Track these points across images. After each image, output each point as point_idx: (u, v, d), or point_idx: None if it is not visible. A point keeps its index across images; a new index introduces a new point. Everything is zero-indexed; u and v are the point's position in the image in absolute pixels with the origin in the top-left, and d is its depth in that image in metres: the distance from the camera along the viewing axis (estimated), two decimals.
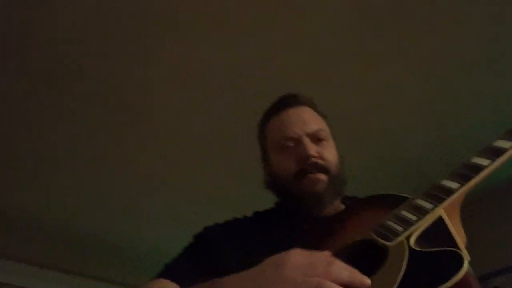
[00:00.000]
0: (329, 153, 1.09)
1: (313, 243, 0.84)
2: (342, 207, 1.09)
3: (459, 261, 0.64)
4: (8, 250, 3.40)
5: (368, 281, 0.65)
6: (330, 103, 2.53)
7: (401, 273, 0.65)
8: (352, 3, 2.01)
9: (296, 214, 1.07)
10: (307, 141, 1.07)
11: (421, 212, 0.76)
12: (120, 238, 3.54)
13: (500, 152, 0.80)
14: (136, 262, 3.63)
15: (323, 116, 1.19)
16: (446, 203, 0.76)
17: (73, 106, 2.45)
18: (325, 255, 0.69)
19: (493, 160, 0.79)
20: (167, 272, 0.99)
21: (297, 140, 1.08)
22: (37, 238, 3.39)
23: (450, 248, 0.68)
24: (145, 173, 2.92)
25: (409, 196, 0.85)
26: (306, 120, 1.12)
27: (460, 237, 0.75)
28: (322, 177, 1.05)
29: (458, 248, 0.71)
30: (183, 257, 1.05)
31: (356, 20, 2.08)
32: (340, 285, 0.63)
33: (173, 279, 0.96)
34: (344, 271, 0.66)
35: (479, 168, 0.79)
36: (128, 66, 2.26)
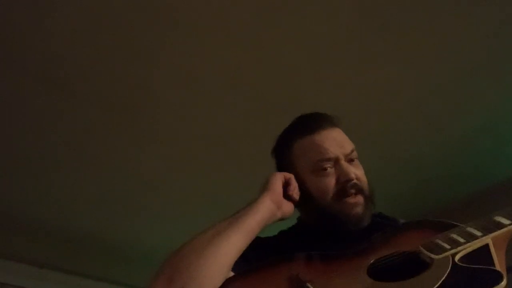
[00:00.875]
0: (362, 173, 1.15)
1: (360, 258, 0.89)
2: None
3: (498, 278, 0.69)
4: (8, 250, 3.40)
5: None
6: (330, 103, 2.54)
7: (441, 280, 0.71)
8: (352, 3, 2.01)
9: (334, 232, 1.09)
10: (345, 163, 1.11)
11: (471, 237, 0.82)
12: (120, 238, 3.54)
13: None
14: (136, 262, 3.64)
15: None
16: (495, 234, 0.82)
17: (73, 106, 2.45)
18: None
19: None
20: None
21: (335, 162, 1.11)
22: (37, 238, 3.40)
23: (491, 267, 0.75)
24: (145, 173, 2.92)
25: (458, 224, 0.90)
26: (342, 142, 1.16)
27: (501, 268, 0.81)
28: (360, 199, 1.09)
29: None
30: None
31: (356, 20, 2.08)
32: None
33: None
34: None
35: None
36: (128, 66, 2.26)
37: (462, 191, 3.25)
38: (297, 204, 1.13)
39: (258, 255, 1.03)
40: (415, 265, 0.81)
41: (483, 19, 2.09)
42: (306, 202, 1.13)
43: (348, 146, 1.15)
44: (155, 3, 1.99)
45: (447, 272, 0.73)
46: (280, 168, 1.20)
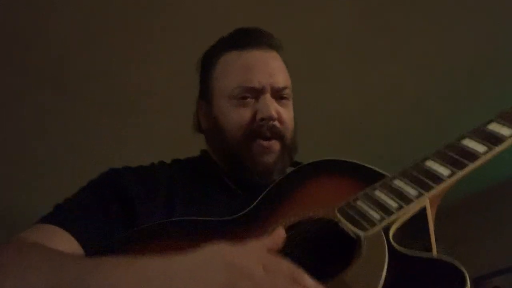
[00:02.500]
0: (288, 116, 0.92)
1: (251, 215, 0.70)
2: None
3: (462, 279, 0.51)
4: None
5: None
6: (330, 103, 2.54)
7: (382, 280, 0.52)
8: (352, 3, 2.01)
9: (233, 175, 0.90)
10: (269, 97, 0.89)
11: (404, 200, 0.61)
12: None
13: (499, 140, 0.67)
14: None
15: (286, 65, 1.00)
16: (433, 192, 0.61)
17: (73, 106, 2.45)
18: (290, 267, 0.51)
19: (490, 148, 0.67)
20: (56, 216, 0.78)
21: (259, 93, 0.89)
22: None
23: (447, 259, 0.54)
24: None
25: (381, 171, 0.70)
26: (275, 72, 0.92)
27: (433, 229, 0.64)
28: (276, 145, 0.88)
29: (430, 243, 0.61)
30: (83, 198, 0.85)
31: (356, 20, 2.08)
32: None
33: (65, 227, 0.74)
34: None
35: (475, 156, 0.65)
36: (129, 66, 2.26)
37: (462, 191, 3.25)
38: (204, 132, 0.98)
39: (144, 182, 0.86)
40: (334, 240, 0.61)
41: (484, 19, 2.09)
42: (215, 132, 0.93)
43: (281, 79, 0.92)
44: (156, 3, 1.98)
45: (385, 266, 0.54)
46: (201, 86, 1.00)
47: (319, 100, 2.46)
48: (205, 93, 0.97)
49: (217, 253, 0.51)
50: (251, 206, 0.74)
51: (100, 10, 2.00)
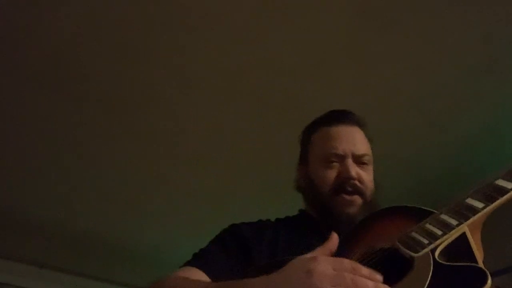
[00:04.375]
0: (368, 178, 1.15)
1: (339, 251, 0.87)
2: None
3: (484, 277, 0.66)
4: (8, 250, 3.40)
5: None
6: (330, 103, 2.53)
7: (427, 284, 0.68)
8: (352, 3, 2.01)
9: (323, 227, 1.09)
10: (351, 161, 1.13)
11: (447, 227, 0.79)
12: (120, 238, 3.54)
13: None
14: (136, 262, 3.64)
15: (370, 140, 1.25)
16: (470, 221, 0.79)
17: (73, 106, 2.45)
18: (351, 262, 0.70)
19: None
20: (195, 261, 1.02)
21: (342, 158, 1.13)
22: (37, 238, 3.40)
23: (475, 264, 0.72)
24: (146, 173, 2.92)
25: (431, 210, 0.89)
26: (356, 141, 1.17)
27: (479, 253, 0.79)
28: (357, 200, 1.10)
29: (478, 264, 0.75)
30: (212, 247, 1.08)
31: (356, 20, 2.08)
32: None
33: (202, 268, 0.98)
34: (370, 281, 0.67)
35: (504, 191, 0.82)
36: (129, 66, 2.26)
37: (463, 191, 3.25)
38: (302, 191, 1.18)
39: (256, 233, 1.08)
40: (394, 262, 0.79)
41: (484, 18, 2.09)
42: (310, 189, 1.15)
43: (361, 147, 1.17)
44: (156, 4, 1.99)
45: (430, 274, 0.70)
46: (301, 153, 1.24)
47: (319, 100, 2.46)
48: (304, 159, 1.22)
49: (298, 265, 0.71)
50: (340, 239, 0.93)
51: (101, 9, 2.00)
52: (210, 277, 0.96)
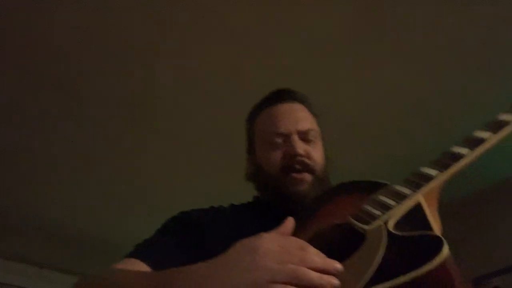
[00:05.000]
0: (317, 154, 1.09)
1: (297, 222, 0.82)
2: None
3: (439, 244, 0.61)
4: (8, 250, 3.40)
5: (340, 266, 0.63)
6: (330, 103, 2.54)
7: (379, 256, 0.63)
8: (352, 4, 2.01)
9: (277, 209, 1.03)
10: (296, 138, 1.08)
11: (400, 197, 0.75)
12: (120, 238, 3.54)
13: (479, 141, 0.81)
14: None
15: (316, 115, 1.19)
16: (425, 189, 0.75)
17: (74, 105, 2.45)
18: (298, 241, 0.67)
19: (472, 150, 0.80)
20: (137, 252, 0.95)
21: (287, 137, 1.08)
22: (37, 238, 3.40)
23: (430, 232, 0.67)
24: (146, 173, 2.92)
25: (387, 183, 0.84)
26: (299, 118, 1.11)
27: (437, 225, 0.75)
28: (307, 177, 1.05)
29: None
30: (157, 236, 1.02)
31: (356, 21, 2.08)
32: (314, 271, 0.62)
33: (144, 259, 0.91)
34: (317, 257, 0.64)
35: (458, 157, 0.79)
36: (130, 66, 2.26)
37: (463, 191, 3.25)
38: (252, 178, 1.14)
39: (208, 219, 1.05)
40: (350, 238, 0.73)
41: (484, 18, 2.09)
42: (259, 174, 1.11)
43: (304, 123, 1.11)
44: (157, 3, 1.99)
45: (382, 245, 0.65)
46: (247, 143, 1.20)
47: (319, 100, 2.46)
48: (251, 148, 1.17)
49: (241, 245, 0.67)
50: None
51: (102, 9, 2.00)
52: (153, 269, 0.89)
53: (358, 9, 2.03)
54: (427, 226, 0.72)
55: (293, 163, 1.05)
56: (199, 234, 0.99)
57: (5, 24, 2.03)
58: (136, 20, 2.06)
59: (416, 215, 0.73)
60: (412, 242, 0.66)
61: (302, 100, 1.18)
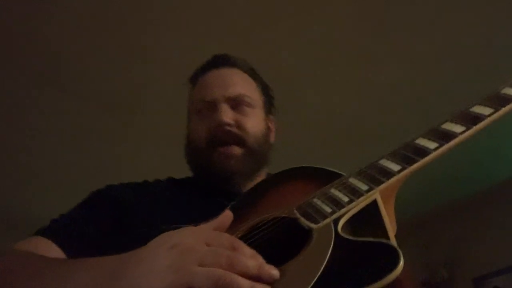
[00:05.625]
0: (249, 123, 0.94)
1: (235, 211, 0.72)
2: None
3: (395, 258, 0.52)
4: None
5: (276, 274, 0.53)
6: (330, 103, 2.54)
7: (323, 263, 0.54)
8: (352, 4, 2.01)
9: (214, 187, 0.93)
10: (223, 106, 0.93)
11: (355, 193, 0.65)
12: None
13: (450, 136, 0.70)
14: None
15: (261, 84, 1.06)
16: (383, 186, 0.65)
17: (73, 106, 2.45)
18: (231, 238, 0.56)
19: (441, 144, 0.69)
20: (48, 230, 0.84)
21: (213, 105, 0.94)
22: None
23: (385, 241, 0.57)
24: (146, 173, 2.92)
25: (340, 172, 0.74)
26: (229, 83, 0.97)
27: (393, 225, 0.67)
28: (236, 150, 0.91)
29: (389, 239, 0.64)
30: (74, 212, 0.89)
31: (356, 21, 2.08)
32: (246, 277, 0.51)
33: (54, 239, 0.80)
34: (251, 260, 0.53)
35: (425, 152, 0.68)
36: (128, 66, 2.26)
37: (463, 191, 3.25)
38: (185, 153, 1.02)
39: (135, 194, 0.91)
40: (295, 235, 0.63)
41: (484, 19, 2.09)
42: (187, 148, 1.00)
43: (235, 89, 0.96)
44: (155, 3, 1.99)
45: (329, 251, 0.56)
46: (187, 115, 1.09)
47: (319, 100, 2.46)
48: (187, 121, 1.05)
49: (162, 240, 0.56)
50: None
51: (100, 9, 2.00)
52: (64, 251, 0.78)
53: (358, 9, 2.03)
54: (381, 227, 0.65)
55: (219, 133, 0.91)
56: (122, 212, 0.86)
57: (4, 24, 2.03)
58: (134, 20, 2.06)
59: (370, 214, 0.64)
60: (364, 250, 0.57)
61: (240, 65, 1.04)
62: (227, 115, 0.92)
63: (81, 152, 2.78)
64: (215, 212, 0.70)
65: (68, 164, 2.86)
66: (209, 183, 0.94)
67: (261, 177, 0.97)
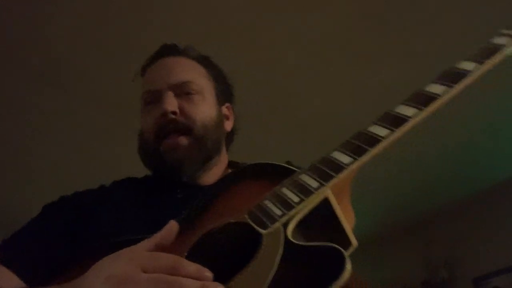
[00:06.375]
0: (196, 110, 0.90)
1: (187, 218, 0.69)
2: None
3: (341, 262, 0.49)
4: None
5: None
6: (330, 103, 2.54)
7: (270, 276, 0.51)
8: (352, 3, 2.01)
9: (168, 181, 0.90)
10: (168, 94, 0.90)
11: (305, 192, 0.60)
12: None
13: (400, 120, 0.66)
14: None
15: (214, 72, 1.01)
16: (334, 182, 0.60)
17: (72, 106, 2.45)
18: (171, 258, 0.52)
19: (392, 130, 0.65)
20: (1, 255, 0.79)
21: (158, 94, 0.92)
22: None
23: (332, 246, 0.53)
24: (146, 173, 2.92)
25: (295, 169, 0.69)
26: (173, 71, 0.94)
27: (350, 219, 0.63)
28: (182, 140, 0.88)
29: (345, 233, 0.60)
30: (27, 230, 0.86)
31: (356, 20, 2.08)
32: None
33: (7, 265, 0.76)
34: (195, 282, 0.49)
35: (375, 140, 0.64)
36: (128, 66, 2.26)
37: (463, 191, 3.25)
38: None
39: (92, 202, 0.87)
40: (247, 241, 0.60)
41: (484, 19, 2.09)
42: (138, 143, 0.99)
43: (179, 76, 0.92)
44: (155, 4, 1.99)
45: (277, 261, 0.53)
46: None
47: (319, 100, 2.46)
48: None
49: (97, 270, 0.53)
50: (182, 216, 0.72)
51: (100, 9, 2.00)
52: (20, 277, 0.74)
53: (358, 9, 2.03)
54: (337, 225, 0.61)
55: (164, 123, 0.88)
56: (76, 223, 0.82)
57: (2, 24, 2.03)
58: (134, 20, 2.06)
59: (323, 212, 0.60)
60: (312, 255, 0.54)
61: (187, 53, 1.00)
62: (171, 103, 0.89)
63: (81, 152, 2.78)
64: (171, 208, 0.68)
65: (68, 164, 2.86)
66: (161, 177, 0.91)
67: (218, 166, 0.95)
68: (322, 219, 0.60)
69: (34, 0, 1.94)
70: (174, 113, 0.88)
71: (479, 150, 2.87)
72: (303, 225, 0.58)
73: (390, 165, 2.94)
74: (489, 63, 0.72)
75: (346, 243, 0.61)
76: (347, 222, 0.61)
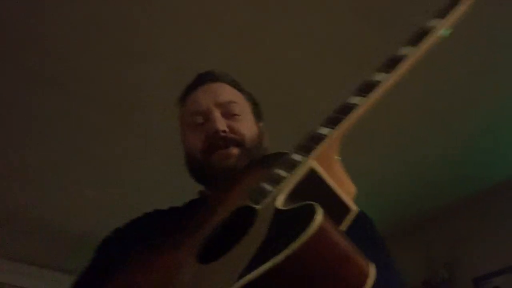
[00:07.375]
0: (243, 127, 0.99)
1: (206, 213, 0.76)
2: None
3: (312, 212, 0.52)
4: (8, 250, 3.40)
5: None
6: (331, 103, 2.53)
7: (260, 241, 0.55)
8: (352, 3, 2.01)
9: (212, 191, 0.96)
10: (216, 115, 0.98)
11: (291, 167, 0.65)
12: None
13: (372, 86, 0.73)
14: None
15: (246, 93, 1.11)
16: (316, 153, 0.65)
17: (72, 106, 2.45)
18: None
19: (364, 96, 0.73)
20: None
21: (206, 114, 0.99)
22: (37, 238, 3.40)
23: (307, 202, 0.55)
24: (145, 173, 2.92)
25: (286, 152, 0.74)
26: (217, 93, 1.02)
27: (345, 187, 0.66)
28: (234, 150, 0.95)
29: (340, 200, 0.63)
30: (80, 277, 0.95)
31: (356, 20, 2.08)
32: None
33: None
34: None
35: (350, 108, 0.71)
36: (128, 66, 2.26)
37: (464, 191, 3.25)
38: (188, 170, 1.05)
39: (122, 242, 0.94)
40: (248, 221, 0.64)
41: (484, 18, 2.09)
42: (187, 162, 1.04)
43: (224, 96, 1.02)
44: (155, 3, 1.99)
45: (266, 225, 0.56)
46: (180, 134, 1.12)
47: (319, 100, 2.46)
48: (182, 139, 1.08)
49: None
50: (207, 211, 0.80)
51: (100, 9, 2.00)
52: None
53: (358, 9, 2.03)
54: (329, 191, 0.63)
55: (216, 141, 0.95)
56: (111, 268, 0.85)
57: (5, 24, 2.03)
58: (133, 20, 2.06)
59: (314, 182, 0.63)
60: (291, 216, 0.57)
61: (225, 79, 1.08)
62: (221, 122, 0.96)
63: (81, 152, 2.78)
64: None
65: (68, 164, 2.86)
66: (210, 188, 0.97)
67: None
68: (316, 190, 0.63)
69: (34, 0, 1.94)
70: (225, 131, 0.96)
71: (479, 150, 2.87)
72: (299, 199, 0.59)
73: (390, 165, 2.94)
74: (423, 46, 0.79)
75: (344, 209, 0.63)
76: (344, 190, 0.64)
